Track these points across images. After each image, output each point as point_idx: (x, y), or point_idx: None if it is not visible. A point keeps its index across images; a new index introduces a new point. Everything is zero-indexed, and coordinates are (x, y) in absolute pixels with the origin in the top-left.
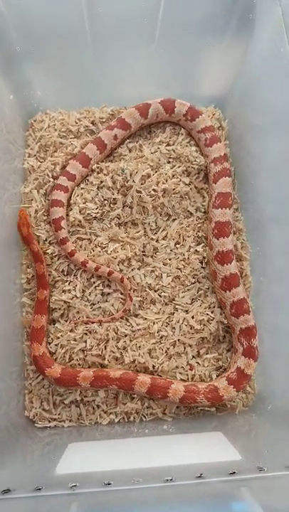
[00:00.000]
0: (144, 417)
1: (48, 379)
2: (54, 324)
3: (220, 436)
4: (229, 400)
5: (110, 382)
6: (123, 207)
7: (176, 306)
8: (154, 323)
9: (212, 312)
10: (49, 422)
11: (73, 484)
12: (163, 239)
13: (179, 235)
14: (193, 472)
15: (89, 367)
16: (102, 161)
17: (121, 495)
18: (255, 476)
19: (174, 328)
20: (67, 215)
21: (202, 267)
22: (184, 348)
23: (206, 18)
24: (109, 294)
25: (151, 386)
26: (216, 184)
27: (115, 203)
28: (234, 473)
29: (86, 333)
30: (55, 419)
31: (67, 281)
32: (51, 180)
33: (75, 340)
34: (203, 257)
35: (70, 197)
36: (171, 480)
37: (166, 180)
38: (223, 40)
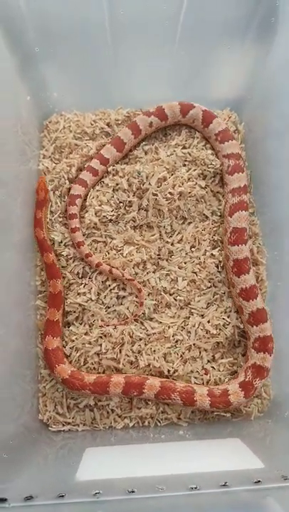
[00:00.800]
0: (159, 421)
1: (55, 377)
2: (69, 327)
3: (238, 443)
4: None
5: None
6: (138, 210)
7: (192, 310)
8: (169, 327)
9: (228, 317)
10: (63, 425)
11: (97, 492)
12: (178, 242)
13: (195, 239)
14: (217, 480)
15: (104, 371)
16: (118, 163)
17: (145, 503)
18: (280, 486)
19: (189, 332)
20: (82, 217)
21: (218, 271)
22: (200, 353)
23: (227, 21)
24: (124, 297)
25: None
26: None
27: (131, 206)
28: (259, 481)
29: (101, 337)
30: (69, 423)
31: (82, 283)
32: (67, 182)
33: (90, 343)
34: (219, 261)
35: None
36: (196, 488)
37: (182, 184)
38: (243, 43)
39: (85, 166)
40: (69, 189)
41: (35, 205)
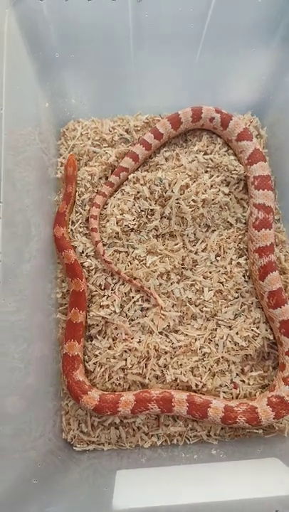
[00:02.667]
0: (188, 439)
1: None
2: (92, 341)
3: (278, 464)
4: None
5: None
6: (161, 218)
7: (219, 322)
8: (195, 340)
9: (257, 328)
10: (87, 444)
11: None
12: (202, 251)
13: (220, 247)
14: (266, 507)
15: (129, 387)
16: (138, 171)
17: None
18: None
19: (217, 344)
20: (103, 226)
21: (245, 281)
22: (228, 366)
23: (254, 24)
24: (148, 309)
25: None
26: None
27: (152, 214)
28: None
29: (126, 351)
30: (93, 442)
31: (104, 295)
32: (89, 190)
33: (114, 358)
34: (246, 270)
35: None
36: None
37: (205, 190)
38: (268, 45)
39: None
40: (91, 199)
41: (65, 182)
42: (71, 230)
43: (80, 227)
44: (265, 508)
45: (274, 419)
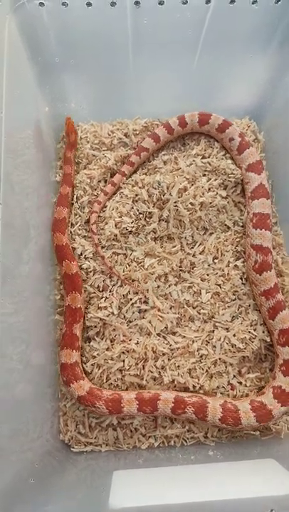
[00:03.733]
0: (185, 441)
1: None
2: (90, 342)
3: (274, 464)
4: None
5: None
6: (159, 221)
7: (216, 324)
8: (193, 342)
9: (254, 330)
10: (85, 446)
11: None
12: (200, 253)
13: (217, 250)
14: (261, 508)
15: (127, 388)
16: (137, 174)
17: None
18: None
19: (214, 346)
20: (102, 228)
21: (242, 283)
22: (226, 368)
23: (252, 29)
24: (146, 310)
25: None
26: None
27: (151, 217)
28: None
29: (124, 352)
30: (91, 443)
31: (102, 297)
32: (88, 193)
33: (112, 359)
34: (243, 273)
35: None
36: None
37: (203, 194)
38: (266, 51)
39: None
40: (90, 201)
41: (65, 147)
42: (70, 232)
43: (79, 230)
44: (261, 508)
45: (219, 420)
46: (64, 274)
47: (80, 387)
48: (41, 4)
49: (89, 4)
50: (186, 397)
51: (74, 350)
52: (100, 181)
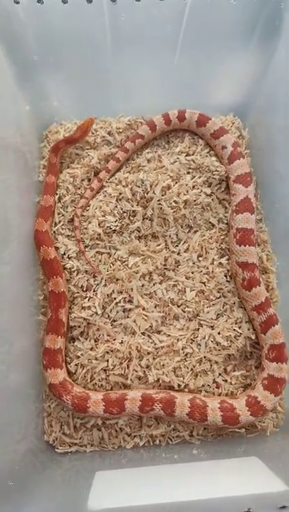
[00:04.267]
0: (171, 440)
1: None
2: (74, 342)
3: (256, 462)
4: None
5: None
6: (143, 219)
7: (201, 322)
8: (178, 340)
9: (239, 328)
10: (70, 446)
11: None
12: (185, 251)
13: (202, 248)
14: (239, 506)
15: (111, 388)
16: (121, 172)
17: None
18: None
19: (199, 344)
20: (85, 228)
21: (227, 281)
22: (211, 366)
23: (231, 25)
24: (130, 310)
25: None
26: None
27: (135, 216)
28: (285, 507)
29: (108, 352)
30: (76, 444)
31: (86, 297)
32: (70, 192)
33: (96, 359)
34: (228, 270)
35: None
36: None
37: (187, 191)
38: (247, 47)
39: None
40: (72, 200)
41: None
42: (53, 231)
43: (62, 229)
44: (239, 507)
45: (187, 415)
46: (42, 260)
47: (55, 374)
48: (16, 2)
49: (65, 1)
50: (153, 394)
51: (59, 336)
52: (83, 180)
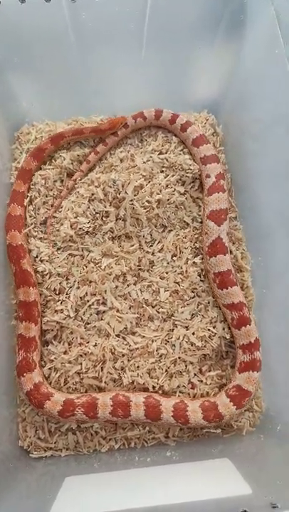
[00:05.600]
0: (146, 442)
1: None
2: (47, 346)
3: (227, 464)
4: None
5: None
6: (116, 220)
7: (176, 322)
8: (152, 341)
9: (214, 327)
10: (45, 451)
11: None
12: (159, 251)
13: (176, 247)
14: (206, 509)
15: (86, 391)
16: (93, 172)
17: None
18: None
19: (173, 345)
20: (57, 230)
21: (201, 280)
22: (186, 366)
23: (195, 21)
24: (104, 312)
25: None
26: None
27: (108, 216)
28: (245, 511)
29: (81, 355)
30: (51, 449)
31: (59, 300)
32: (42, 194)
33: (69, 362)
34: (202, 270)
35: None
36: None
37: (160, 191)
38: (213, 43)
39: None
40: (44, 202)
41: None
42: (26, 233)
43: (35, 231)
44: (204, 509)
45: (110, 413)
46: (8, 245)
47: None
48: None
49: (22, 1)
50: (75, 399)
51: (33, 324)
52: (55, 181)
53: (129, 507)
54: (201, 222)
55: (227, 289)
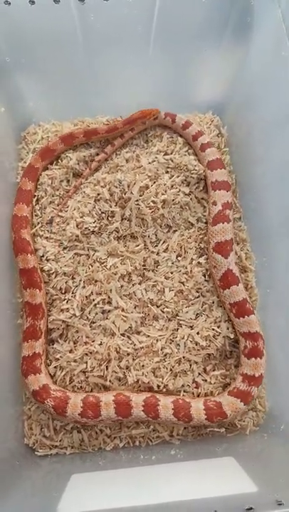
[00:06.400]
0: (151, 440)
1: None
2: (53, 345)
3: (232, 462)
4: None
5: None
6: (122, 220)
7: (180, 322)
8: (157, 341)
9: (218, 327)
10: (50, 449)
11: None
12: (164, 251)
13: (181, 247)
14: (207, 508)
15: (91, 389)
16: (99, 172)
17: None
18: None
19: (178, 345)
20: (63, 229)
21: (206, 280)
22: (190, 366)
23: (202, 23)
24: (110, 311)
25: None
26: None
27: (113, 216)
28: (251, 508)
29: (86, 354)
30: (56, 446)
31: (65, 299)
32: (48, 194)
33: (75, 361)
34: (206, 270)
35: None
36: None
37: (166, 191)
38: (220, 45)
39: None
40: (51, 202)
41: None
42: (33, 233)
43: (41, 231)
44: (205, 510)
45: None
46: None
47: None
48: None
49: (32, 2)
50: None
51: (38, 290)
52: (62, 181)
53: (136, 504)
54: (206, 223)
55: (244, 317)
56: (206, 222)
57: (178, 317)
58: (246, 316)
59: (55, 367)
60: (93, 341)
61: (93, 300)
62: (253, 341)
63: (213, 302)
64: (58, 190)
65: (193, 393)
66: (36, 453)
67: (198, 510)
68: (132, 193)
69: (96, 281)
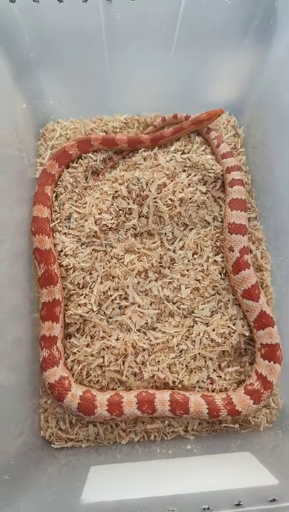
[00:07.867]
0: (166, 435)
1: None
2: (70, 339)
3: (249, 457)
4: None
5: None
6: (139, 217)
7: (196, 319)
8: (173, 337)
9: (234, 324)
10: (66, 442)
11: None
12: (180, 249)
13: (197, 245)
14: (230, 499)
15: (107, 384)
16: (116, 169)
17: None
18: None
19: (194, 341)
20: (82, 225)
21: (222, 278)
22: (205, 362)
23: (225, 24)
24: (126, 307)
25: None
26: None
27: (131, 213)
28: (274, 500)
29: (103, 349)
30: (72, 440)
31: (82, 294)
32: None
33: (92, 355)
34: (222, 268)
35: None
36: (208, 509)
37: (183, 189)
38: (241, 45)
39: None
40: (70, 198)
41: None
42: (51, 227)
43: (60, 226)
44: (228, 501)
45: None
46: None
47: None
48: (12, 1)
49: (60, 0)
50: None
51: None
52: (81, 179)
53: (157, 494)
54: (222, 222)
55: (269, 362)
56: (221, 221)
57: (194, 314)
58: (271, 362)
59: (72, 361)
60: (110, 336)
61: (110, 296)
62: (271, 350)
63: (228, 300)
64: (76, 187)
65: (208, 389)
66: (52, 445)
67: (221, 501)
68: (149, 190)
69: (113, 277)
